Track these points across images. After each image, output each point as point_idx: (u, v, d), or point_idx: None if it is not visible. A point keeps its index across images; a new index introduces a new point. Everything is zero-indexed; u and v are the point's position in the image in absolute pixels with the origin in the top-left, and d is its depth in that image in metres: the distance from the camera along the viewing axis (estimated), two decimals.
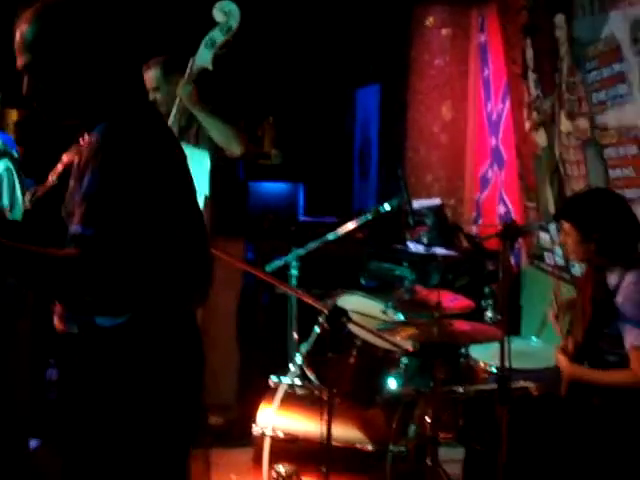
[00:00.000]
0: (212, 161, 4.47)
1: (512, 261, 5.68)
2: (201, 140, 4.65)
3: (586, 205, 3.47)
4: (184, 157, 2.48)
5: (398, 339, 3.40)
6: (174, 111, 4.39)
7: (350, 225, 4.34)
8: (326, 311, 3.25)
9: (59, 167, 2.58)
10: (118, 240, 2.16)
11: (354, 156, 10.05)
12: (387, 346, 3.51)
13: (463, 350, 4.08)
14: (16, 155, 3.89)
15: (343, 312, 3.23)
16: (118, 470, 2.33)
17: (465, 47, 6.60)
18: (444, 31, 6.59)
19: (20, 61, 2.29)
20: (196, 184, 4.28)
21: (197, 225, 2.50)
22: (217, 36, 4.28)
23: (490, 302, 4.59)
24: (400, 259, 5.41)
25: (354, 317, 3.53)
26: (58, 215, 2.39)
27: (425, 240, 5.55)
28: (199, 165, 4.38)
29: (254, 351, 5.40)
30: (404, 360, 3.74)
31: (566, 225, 3.50)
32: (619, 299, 3.34)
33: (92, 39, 2.28)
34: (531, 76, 4.90)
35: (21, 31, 2.27)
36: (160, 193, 2.26)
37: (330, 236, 4.33)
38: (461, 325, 3.48)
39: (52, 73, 2.27)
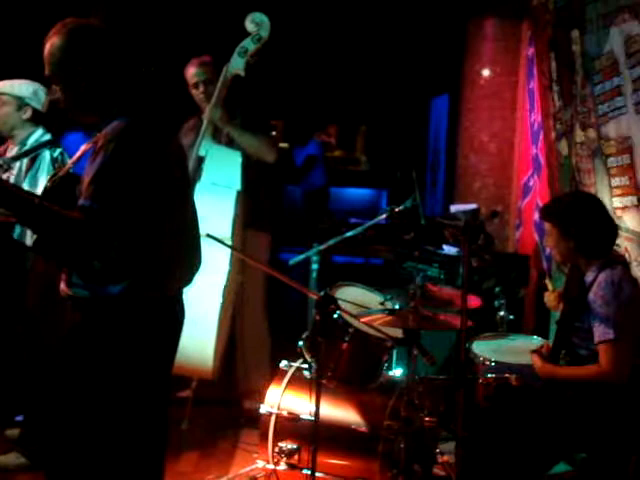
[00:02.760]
0: (244, 159, 4.86)
1: (544, 265, 5.89)
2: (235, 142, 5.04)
3: (563, 205, 3.70)
4: (181, 154, 2.97)
5: (376, 324, 3.68)
6: (203, 129, 4.82)
7: (368, 223, 4.69)
8: (316, 298, 3.59)
9: (77, 154, 3.00)
10: (117, 217, 2.63)
11: (427, 164, 10.31)
12: (377, 334, 3.81)
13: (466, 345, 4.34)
14: None
15: (332, 300, 3.56)
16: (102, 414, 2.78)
17: (516, 59, 6.80)
18: (495, 43, 6.82)
19: (46, 71, 2.82)
20: (227, 180, 4.69)
21: (188, 216, 2.96)
22: (249, 45, 4.75)
23: (502, 302, 4.80)
24: (431, 260, 5.67)
25: (346, 306, 3.89)
26: (72, 196, 2.81)
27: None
28: (230, 162, 4.79)
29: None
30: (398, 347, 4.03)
31: (547, 225, 3.75)
32: (591, 295, 3.56)
33: (100, 57, 2.80)
34: (555, 88, 5.12)
35: (46, 47, 2.80)
36: (155, 183, 2.73)
37: (348, 233, 4.66)
38: (430, 314, 3.77)
39: (68, 83, 2.80)
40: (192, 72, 5.12)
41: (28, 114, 4.40)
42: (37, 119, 4.44)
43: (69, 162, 3.00)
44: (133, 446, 2.87)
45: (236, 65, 4.78)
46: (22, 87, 4.41)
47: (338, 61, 11.03)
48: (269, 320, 5.45)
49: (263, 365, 5.35)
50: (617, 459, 3.53)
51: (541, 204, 6.03)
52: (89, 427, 2.80)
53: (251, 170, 4.94)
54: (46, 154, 4.31)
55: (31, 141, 4.41)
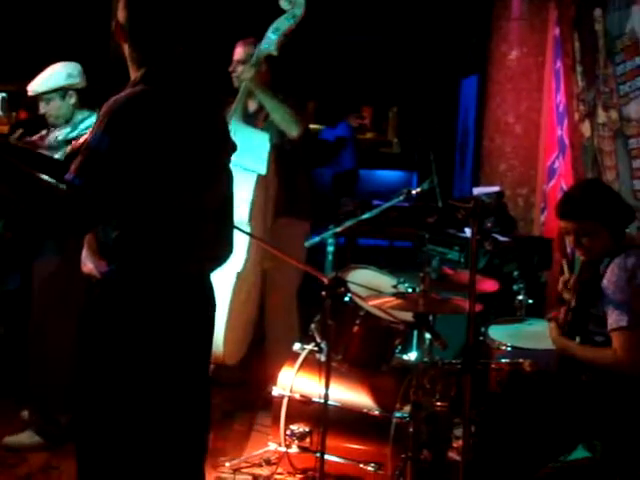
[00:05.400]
0: (274, 143, 4.75)
1: (568, 249, 5.79)
2: (269, 124, 4.93)
3: (579, 199, 3.58)
4: (204, 131, 2.79)
5: (386, 308, 3.64)
6: (240, 92, 4.77)
7: (383, 206, 4.64)
8: (325, 281, 3.54)
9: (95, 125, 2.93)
10: (101, 195, 2.49)
11: (456, 145, 10.23)
12: (388, 317, 3.77)
13: (482, 329, 4.29)
14: None
15: (342, 283, 3.51)
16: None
17: (543, 39, 6.68)
18: (522, 23, 6.71)
19: None
20: (253, 162, 4.58)
21: (204, 197, 2.76)
22: (282, 23, 4.64)
23: (521, 286, 4.72)
24: (452, 243, 5.61)
25: (357, 289, 3.84)
26: None
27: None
28: (257, 144, 4.67)
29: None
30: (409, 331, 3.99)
31: (567, 224, 3.62)
32: (604, 281, 3.48)
33: (148, 17, 2.69)
34: (578, 68, 5.03)
35: None
36: (155, 163, 2.57)
37: (364, 216, 4.61)
38: (440, 298, 3.70)
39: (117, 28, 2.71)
40: (235, 52, 5.04)
41: (74, 98, 4.33)
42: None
43: (87, 132, 2.91)
44: (162, 430, 2.75)
45: (268, 44, 4.67)
46: (54, 77, 4.31)
47: (370, 43, 11.01)
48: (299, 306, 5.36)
49: (290, 351, 5.29)
50: (634, 448, 3.46)
51: (565, 187, 5.94)
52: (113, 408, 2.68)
53: (286, 155, 4.85)
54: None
55: (81, 127, 4.29)
